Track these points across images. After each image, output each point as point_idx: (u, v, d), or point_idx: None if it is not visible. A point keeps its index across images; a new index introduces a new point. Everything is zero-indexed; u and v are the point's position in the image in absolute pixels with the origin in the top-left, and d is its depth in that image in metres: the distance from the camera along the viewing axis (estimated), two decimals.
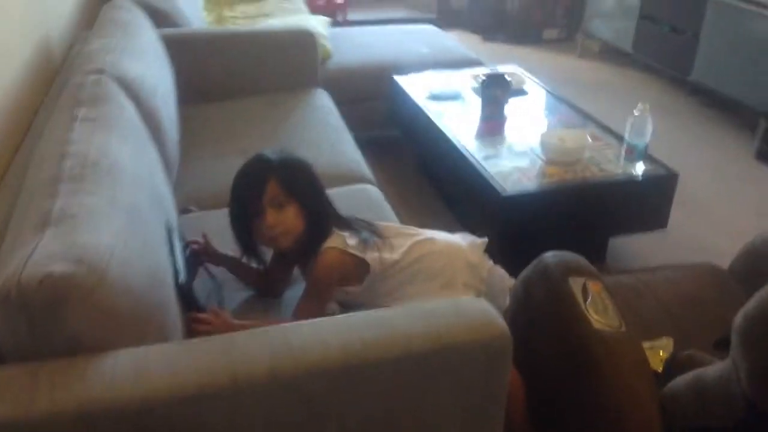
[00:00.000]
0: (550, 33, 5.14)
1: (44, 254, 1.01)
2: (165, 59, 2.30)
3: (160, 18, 2.59)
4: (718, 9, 3.51)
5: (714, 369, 1.20)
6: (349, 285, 1.51)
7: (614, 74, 4.53)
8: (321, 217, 1.50)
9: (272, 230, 1.45)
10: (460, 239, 1.64)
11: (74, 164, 1.28)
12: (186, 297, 1.39)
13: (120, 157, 1.39)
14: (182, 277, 1.39)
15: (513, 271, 1.95)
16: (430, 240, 1.59)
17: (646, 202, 2.29)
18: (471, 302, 1.21)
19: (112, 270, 1.06)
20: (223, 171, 2.14)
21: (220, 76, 2.69)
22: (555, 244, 2.28)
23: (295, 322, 1.17)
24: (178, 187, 2.00)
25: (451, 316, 1.15)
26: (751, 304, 1.01)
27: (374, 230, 1.56)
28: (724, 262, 2.44)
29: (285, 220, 1.45)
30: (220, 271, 1.65)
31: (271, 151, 1.52)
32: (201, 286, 1.55)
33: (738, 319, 1.03)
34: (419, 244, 1.57)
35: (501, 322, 1.16)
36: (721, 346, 1.39)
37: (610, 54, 4.75)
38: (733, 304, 1.71)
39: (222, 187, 2.07)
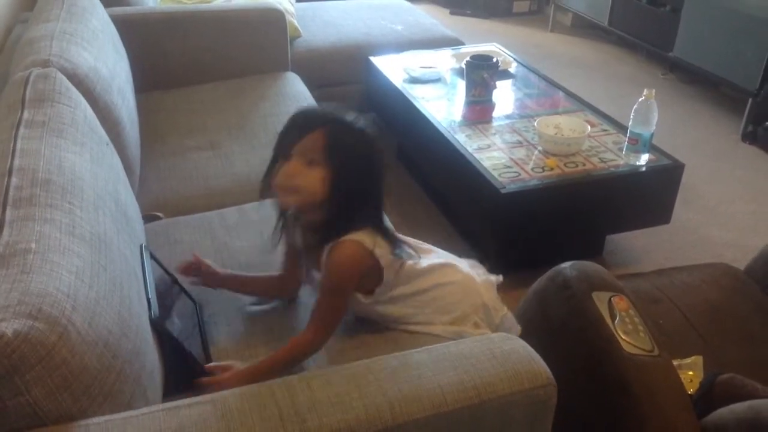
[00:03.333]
0: (520, 5, 4.96)
1: None
2: (119, 44, 2.05)
3: None
4: None
5: None
6: (360, 291, 1.31)
7: (588, 49, 4.39)
8: (351, 203, 1.24)
9: (285, 180, 1.21)
10: (470, 269, 1.45)
11: (21, 183, 1.07)
12: (160, 333, 1.19)
13: (78, 171, 1.18)
14: (155, 309, 1.19)
15: (509, 271, 1.80)
16: (453, 267, 1.41)
17: (650, 196, 2.15)
18: (508, 343, 1.03)
19: (75, 321, 0.88)
20: (189, 169, 1.95)
21: (181, 60, 2.44)
22: (552, 241, 2.16)
23: (301, 376, 0.98)
24: (140, 190, 1.78)
25: (488, 361, 0.98)
26: None
27: (414, 251, 1.36)
28: (725, 252, 2.36)
29: (306, 176, 1.20)
30: (198, 290, 1.44)
31: (350, 112, 1.27)
32: (179, 309, 1.35)
33: None
34: (442, 270, 1.39)
35: (545, 367, 1.00)
36: None
37: (583, 27, 4.61)
38: (757, 312, 1.61)
39: (190, 187, 1.88)
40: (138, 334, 1.05)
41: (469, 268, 1.44)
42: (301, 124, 1.22)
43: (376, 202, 1.29)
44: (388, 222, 1.36)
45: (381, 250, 1.26)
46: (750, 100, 3.19)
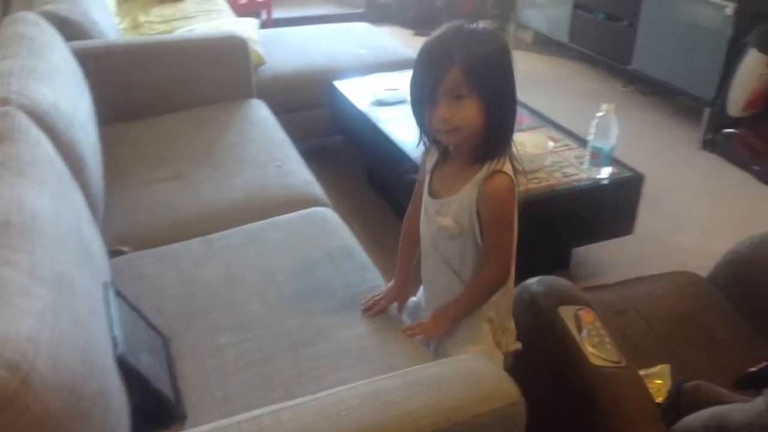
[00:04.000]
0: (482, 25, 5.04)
1: None
2: (80, 78, 2.04)
3: (70, 30, 2.31)
4: None
5: (740, 413, 1.09)
6: None
7: (550, 65, 4.47)
8: (505, 121, 1.26)
9: (444, 123, 1.21)
10: None
11: None
12: (127, 371, 1.18)
13: (38, 210, 1.17)
14: (120, 346, 1.18)
15: None
16: None
17: (613, 208, 2.19)
18: (477, 363, 1.04)
19: (38, 366, 0.86)
20: (155, 201, 1.94)
21: (144, 91, 2.44)
22: (519, 256, 2.18)
23: (269, 409, 0.98)
24: (105, 225, 1.77)
25: (458, 383, 0.99)
26: None
27: None
28: (689, 260, 2.40)
29: (461, 113, 1.20)
30: (166, 324, 1.43)
31: (462, 26, 1.22)
32: (146, 345, 1.34)
33: None
34: None
35: (514, 385, 1.02)
36: (743, 387, 1.29)
37: (544, 44, 4.69)
38: (720, 318, 1.64)
39: (156, 220, 1.87)
40: (103, 373, 1.04)
41: None
42: (433, 68, 1.19)
43: (515, 105, 1.29)
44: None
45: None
46: (707, 110, 3.27)
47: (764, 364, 1.28)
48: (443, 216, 1.33)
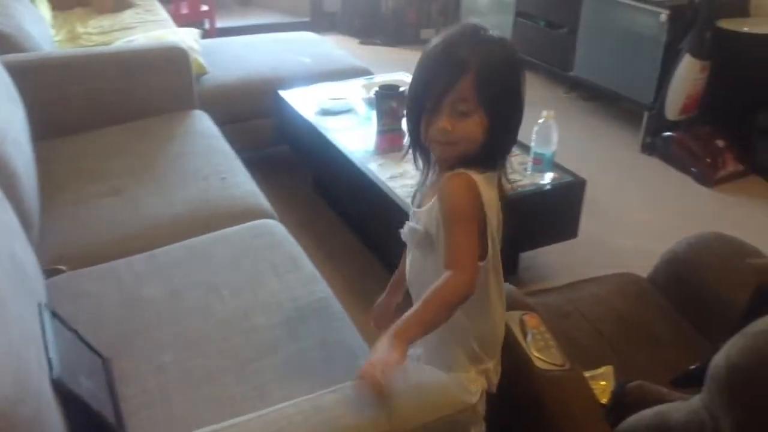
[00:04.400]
0: (427, 33, 5.08)
1: None
2: (13, 92, 1.97)
3: (2, 43, 2.25)
4: (593, 3, 3.56)
5: (678, 411, 1.11)
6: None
7: None
8: (504, 143, 1.18)
9: (444, 135, 1.11)
10: None
11: None
12: (63, 394, 1.14)
13: None
14: (56, 369, 1.14)
15: None
16: None
17: (557, 213, 2.23)
18: (421, 372, 1.04)
19: None
20: (93, 217, 1.89)
21: (82, 104, 2.37)
22: None
23: (210, 428, 0.96)
24: (41, 243, 1.71)
25: (403, 393, 0.99)
26: (733, 351, 0.92)
27: None
28: (632, 261, 2.44)
29: (464, 127, 1.10)
30: (106, 345, 1.39)
31: (479, 32, 1.12)
32: (85, 367, 1.30)
33: (719, 368, 0.94)
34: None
35: (457, 394, 1.02)
36: (681, 385, 1.32)
37: None
38: (661, 317, 1.69)
39: (95, 236, 1.81)
40: (38, 398, 1.00)
41: None
42: (443, 73, 1.09)
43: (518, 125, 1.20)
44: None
45: (487, 191, 1.18)
46: (646, 114, 3.36)
47: (701, 361, 1.31)
48: (416, 223, 1.25)
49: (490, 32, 1.14)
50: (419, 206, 1.27)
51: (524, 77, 1.15)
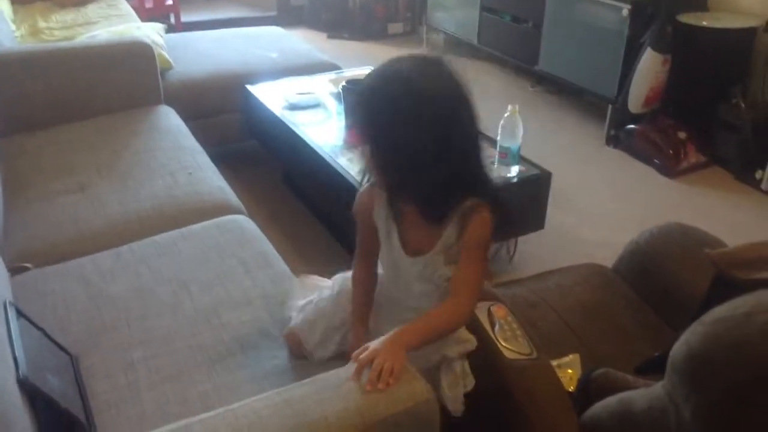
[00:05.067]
0: (394, 27, 5.09)
1: None
2: None
3: None
4: None
5: (641, 398, 1.13)
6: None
7: (461, 66, 4.55)
8: (414, 173, 1.08)
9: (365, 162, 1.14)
10: None
11: None
12: (30, 392, 1.12)
13: None
14: (23, 368, 1.13)
15: None
16: None
17: (524, 205, 2.25)
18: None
19: None
20: (58, 214, 1.86)
21: (44, 100, 2.33)
22: None
23: (180, 424, 0.96)
24: (5, 242, 1.68)
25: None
26: (692, 339, 0.94)
27: None
28: (598, 252, 2.49)
29: (365, 157, 1.13)
30: (74, 342, 1.38)
31: (387, 65, 1.10)
32: (52, 365, 1.28)
33: (678, 354, 0.96)
34: None
35: (425, 383, 1.03)
36: (645, 372, 1.35)
37: (456, 46, 4.78)
38: (626, 307, 1.72)
39: (60, 233, 1.79)
40: (4, 399, 0.99)
41: None
42: (350, 107, 1.12)
43: (461, 161, 1.10)
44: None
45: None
46: (610, 107, 3.42)
47: (663, 349, 1.35)
48: (437, 269, 1.20)
49: (408, 61, 1.11)
50: (417, 253, 1.21)
51: (432, 108, 1.08)
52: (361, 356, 1.02)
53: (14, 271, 1.58)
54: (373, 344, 1.05)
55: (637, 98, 3.25)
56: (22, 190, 1.94)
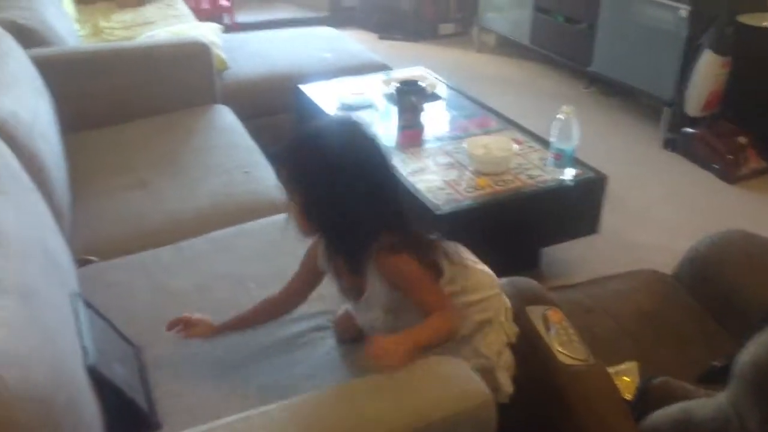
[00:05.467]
0: (446, 28, 5.08)
1: None
2: (40, 86, 2.00)
3: (28, 37, 2.27)
4: None
5: (704, 408, 1.11)
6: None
7: (513, 67, 4.53)
8: (341, 224, 1.17)
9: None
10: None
11: None
12: (98, 381, 1.16)
13: (1, 222, 1.14)
14: (91, 356, 1.16)
15: None
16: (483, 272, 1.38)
17: (578, 208, 2.23)
18: (446, 365, 1.05)
19: (5, 377, 0.86)
20: (121, 209, 1.92)
21: (107, 98, 2.40)
22: (489, 257, 2.20)
23: (246, 416, 0.98)
24: (71, 234, 1.74)
25: (428, 384, 1.00)
26: (761, 351, 0.92)
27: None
28: (654, 257, 2.45)
29: (292, 213, 1.20)
30: (137, 333, 1.42)
31: (326, 125, 1.22)
32: (118, 355, 1.32)
33: (745, 365, 0.94)
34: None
35: (484, 386, 1.03)
36: (707, 382, 1.32)
37: (507, 47, 4.75)
38: (686, 314, 1.68)
39: (123, 228, 1.85)
40: (73, 385, 1.02)
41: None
42: (275, 167, 1.19)
43: (376, 209, 1.17)
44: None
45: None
46: (667, 109, 3.34)
47: (726, 358, 1.31)
48: (369, 312, 1.28)
49: (322, 124, 1.23)
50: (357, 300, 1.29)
51: (362, 166, 1.16)
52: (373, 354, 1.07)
53: (80, 263, 1.63)
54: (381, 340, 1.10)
55: (695, 101, 3.18)
56: (87, 185, 2.00)
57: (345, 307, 1.42)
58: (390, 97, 2.70)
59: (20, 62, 1.96)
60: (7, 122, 1.53)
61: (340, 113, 1.26)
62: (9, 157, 1.41)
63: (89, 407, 1.06)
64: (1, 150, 1.40)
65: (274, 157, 1.22)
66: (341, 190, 1.14)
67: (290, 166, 1.19)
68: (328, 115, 1.25)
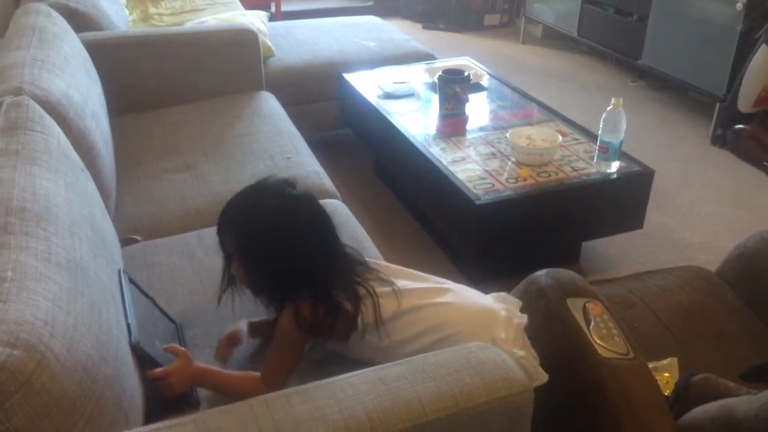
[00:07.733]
0: (491, 19, 5.03)
1: None
2: (92, 69, 2.05)
3: (80, 21, 2.33)
4: None
5: (747, 405, 1.09)
6: (330, 339, 1.31)
7: (559, 59, 4.46)
8: (270, 282, 1.28)
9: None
10: (492, 301, 1.38)
11: None
12: (140, 357, 1.19)
13: (52, 198, 1.18)
14: (134, 334, 1.19)
15: (486, 280, 1.83)
16: (449, 305, 1.33)
17: (623, 203, 2.19)
18: (484, 351, 1.05)
19: (54, 347, 0.88)
20: (166, 191, 1.96)
21: (154, 82, 2.45)
22: (529, 249, 2.19)
23: (280, 392, 0.99)
24: (116, 214, 1.78)
25: (465, 371, 1.00)
26: None
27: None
28: (698, 255, 2.40)
29: (235, 271, 1.31)
30: (179, 312, 1.45)
31: (250, 188, 1.33)
32: (159, 332, 1.35)
33: None
34: (432, 309, 1.31)
35: (521, 374, 1.02)
36: (749, 379, 1.29)
37: (554, 38, 4.68)
38: (730, 312, 1.65)
39: (167, 209, 1.88)
40: (117, 358, 1.05)
41: (490, 300, 1.39)
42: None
43: (307, 271, 1.25)
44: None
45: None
46: (718, 105, 3.26)
47: None
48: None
49: (266, 184, 1.33)
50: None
51: (298, 232, 1.25)
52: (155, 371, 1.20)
53: (125, 242, 1.67)
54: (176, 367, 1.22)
55: (747, 97, 3.09)
56: (134, 167, 2.04)
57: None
58: (432, 86, 2.69)
59: (73, 45, 2.01)
60: (60, 103, 1.57)
61: (277, 178, 1.36)
62: (61, 136, 1.45)
63: (131, 380, 1.09)
64: (54, 130, 1.43)
65: (220, 227, 1.32)
66: (270, 255, 1.25)
67: (230, 230, 1.30)
68: (265, 181, 1.35)
